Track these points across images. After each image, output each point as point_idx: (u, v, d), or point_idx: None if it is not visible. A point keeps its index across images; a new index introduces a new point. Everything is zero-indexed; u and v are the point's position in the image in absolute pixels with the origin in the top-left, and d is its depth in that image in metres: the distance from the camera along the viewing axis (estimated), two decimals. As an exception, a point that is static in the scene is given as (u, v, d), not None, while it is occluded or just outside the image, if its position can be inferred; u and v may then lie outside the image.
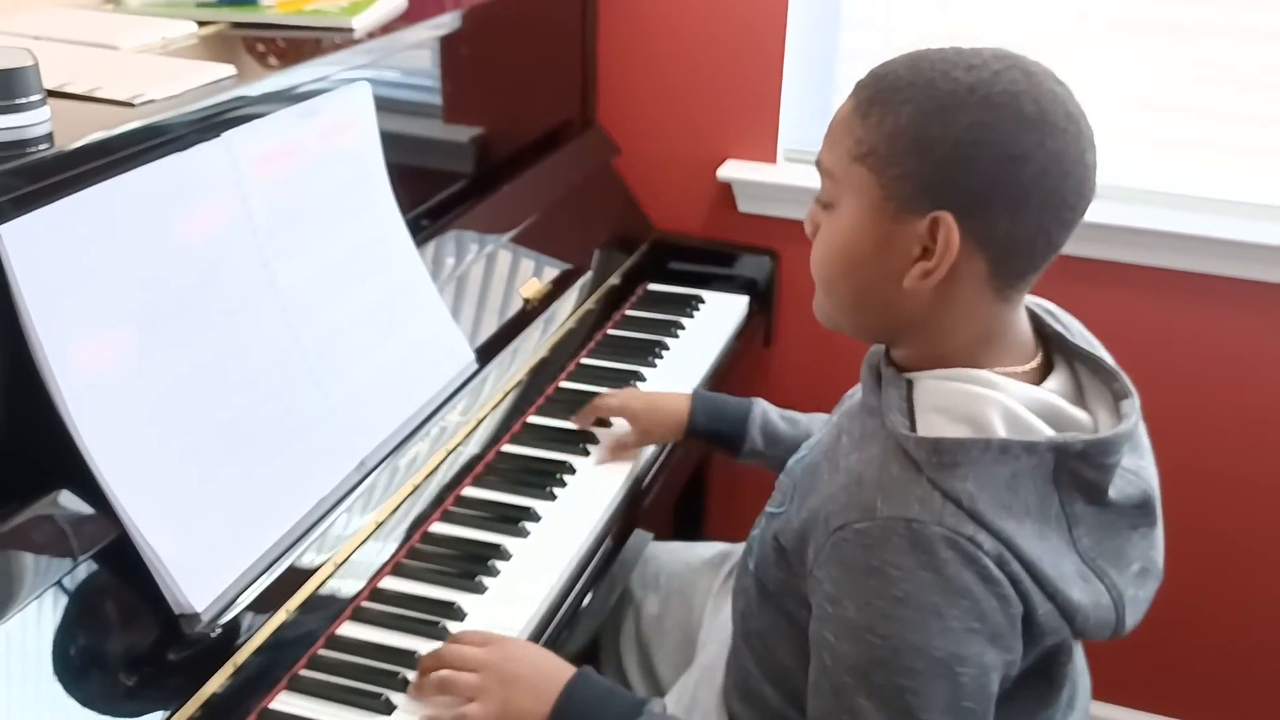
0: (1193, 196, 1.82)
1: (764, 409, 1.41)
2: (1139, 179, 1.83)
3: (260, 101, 1.18)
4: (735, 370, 1.90)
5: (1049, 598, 0.90)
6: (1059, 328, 1.00)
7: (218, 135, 1.12)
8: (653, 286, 1.96)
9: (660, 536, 1.57)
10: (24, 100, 0.95)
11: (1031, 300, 1.00)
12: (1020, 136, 0.86)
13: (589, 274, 1.82)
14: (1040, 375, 0.97)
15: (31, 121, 0.96)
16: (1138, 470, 0.96)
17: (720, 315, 1.89)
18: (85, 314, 0.97)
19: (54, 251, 0.94)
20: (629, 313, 1.87)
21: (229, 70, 1.16)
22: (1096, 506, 0.93)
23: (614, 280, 1.88)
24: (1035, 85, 0.88)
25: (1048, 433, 0.90)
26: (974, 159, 0.86)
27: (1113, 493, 0.93)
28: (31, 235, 0.92)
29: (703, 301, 1.92)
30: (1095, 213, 0.93)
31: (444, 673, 1.07)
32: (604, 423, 1.50)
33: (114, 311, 0.99)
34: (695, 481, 2.07)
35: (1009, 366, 0.95)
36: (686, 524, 2.11)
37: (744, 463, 1.42)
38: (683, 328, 1.83)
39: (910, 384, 0.95)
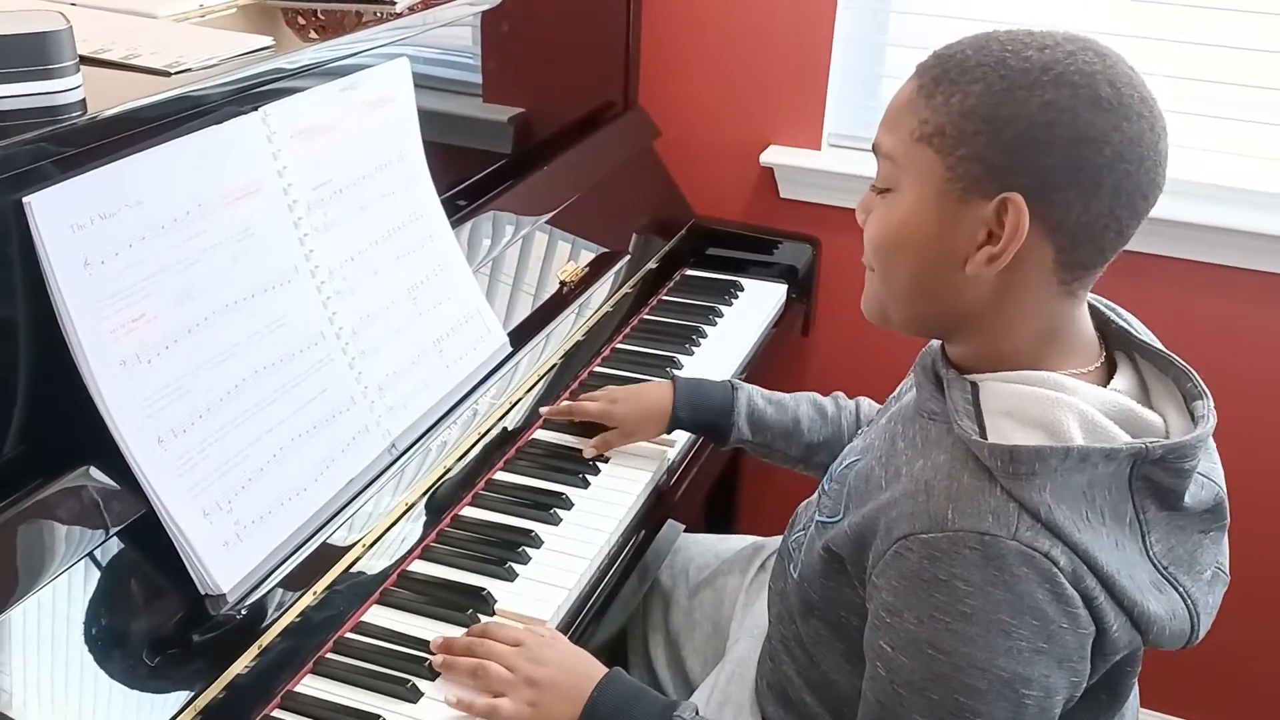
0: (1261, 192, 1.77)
1: (749, 394, 1.37)
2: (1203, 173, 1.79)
3: (298, 74, 1.15)
4: (772, 359, 1.87)
5: (1125, 611, 0.86)
6: (1123, 323, 0.96)
7: (254, 107, 1.10)
8: (691, 272, 1.93)
9: (692, 529, 1.54)
10: (56, 66, 0.93)
11: (1091, 296, 0.96)
12: (1096, 118, 0.82)
13: (627, 258, 1.79)
14: (1104, 375, 0.93)
15: (64, 88, 0.94)
16: (1209, 472, 0.92)
17: (758, 303, 1.86)
18: (116, 287, 0.95)
19: (84, 223, 0.92)
20: (666, 298, 1.84)
21: (267, 41, 1.14)
22: (1169, 512, 0.89)
23: (652, 265, 1.84)
24: (1110, 67, 0.84)
25: (1123, 437, 0.86)
26: (1047, 140, 0.83)
27: (1187, 498, 0.89)
28: (61, 206, 0.90)
29: (741, 289, 1.88)
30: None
31: (478, 661, 1.05)
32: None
33: (146, 286, 0.97)
34: (728, 474, 2.04)
35: (1074, 368, 0.91)
36: (718, 517, 2.08)
37: (730, 449, 1.39)
38: (720, 315, 1.80)
39: (975, 387, 0.91)
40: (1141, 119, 0.84)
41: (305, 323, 1.13)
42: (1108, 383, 0.92)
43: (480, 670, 1.05)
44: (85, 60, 1.00)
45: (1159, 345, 0.95)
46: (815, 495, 1.12)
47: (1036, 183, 0.84)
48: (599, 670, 1.06)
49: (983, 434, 0.88)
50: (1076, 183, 0.83)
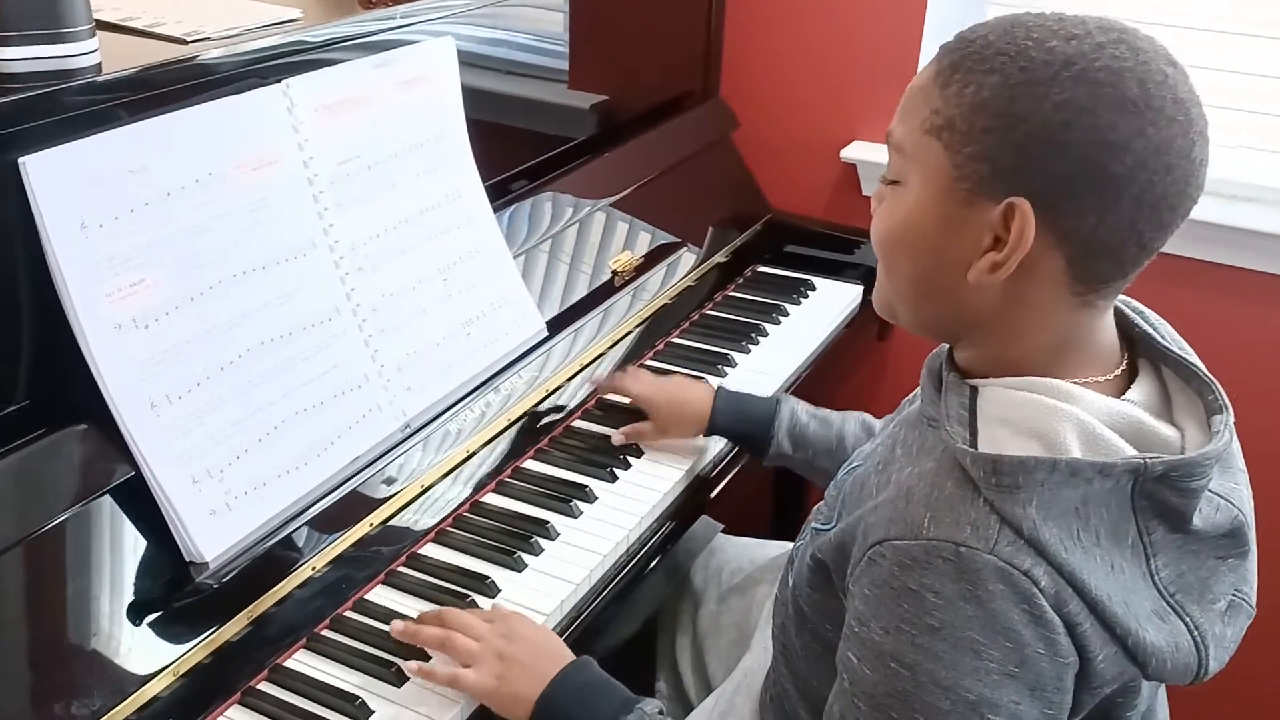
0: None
1: (793, 408, 1.32)
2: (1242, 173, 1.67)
3: (322, 48, 1.15)
4: (843, 361, 1.80)
5: (1117, 640, 0.79)
6: (1148, 328, 0.88)
7: (279, 80, 1.10)
8: (762, 269, 1.88)
9: (744, 532, 1.49)
10: (70, 29, 0.94)
11: (1118, 299, 0.89)
12: (1119, 121, 0.75)
13: (693, 249, 1.75)
14: (1123, 384, 0.86)
15: (78, 51, 0.95)
16: (1228, 494, 0.84)
17: (829, 304, 1.79)
18: (113, 251, 0.95)
19: (83, 187, 0.93)
20: (732, 293, 1.79)
21: (294, 13, 1.14)
22: (1179, 534, 0.82)
23: (720, 258, 1.80)
24: (1143, 64, 0.76)
25: (1127, 452, 0.79)
26: (1063, 142, 0.76)
27: (1198, 520, 0.81)
28: (59, 168, 0.91)
29: (813, 288, 1.82)
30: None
31: (446, 632, 1.04)
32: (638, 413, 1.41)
33: (148, 253, 0.98)
34: (795, 480, 1.98)
35: (1088, 376, 0.84)
36: (784, 523, 2.02)
37: (770, 465, 1.35)
38: (786, 314, 1.74)
39: (974, 391, 0.85)
40: (1174, 123, 0.76)
41: (319, 297, 1.13)
42: (1124, 393, 0.85)
43: (447, 641, 1.04)
44: (106, 26, 1.01)
45: (1185, 353, 0.87)
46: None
47: (1047, 188, 0.77)
48: (568, 654, 1.04)
49: (974, 441, 0.82)
50: (1092, 191, 0.76)
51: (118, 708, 0.94)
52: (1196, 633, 0.82)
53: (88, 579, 0.96)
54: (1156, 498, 0.79)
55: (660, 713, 0.99)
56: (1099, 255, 0.79)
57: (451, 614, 1.06)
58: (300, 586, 1.10)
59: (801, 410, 1.32)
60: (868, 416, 1.31)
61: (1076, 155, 0.76)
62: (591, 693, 1.00)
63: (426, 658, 1.06)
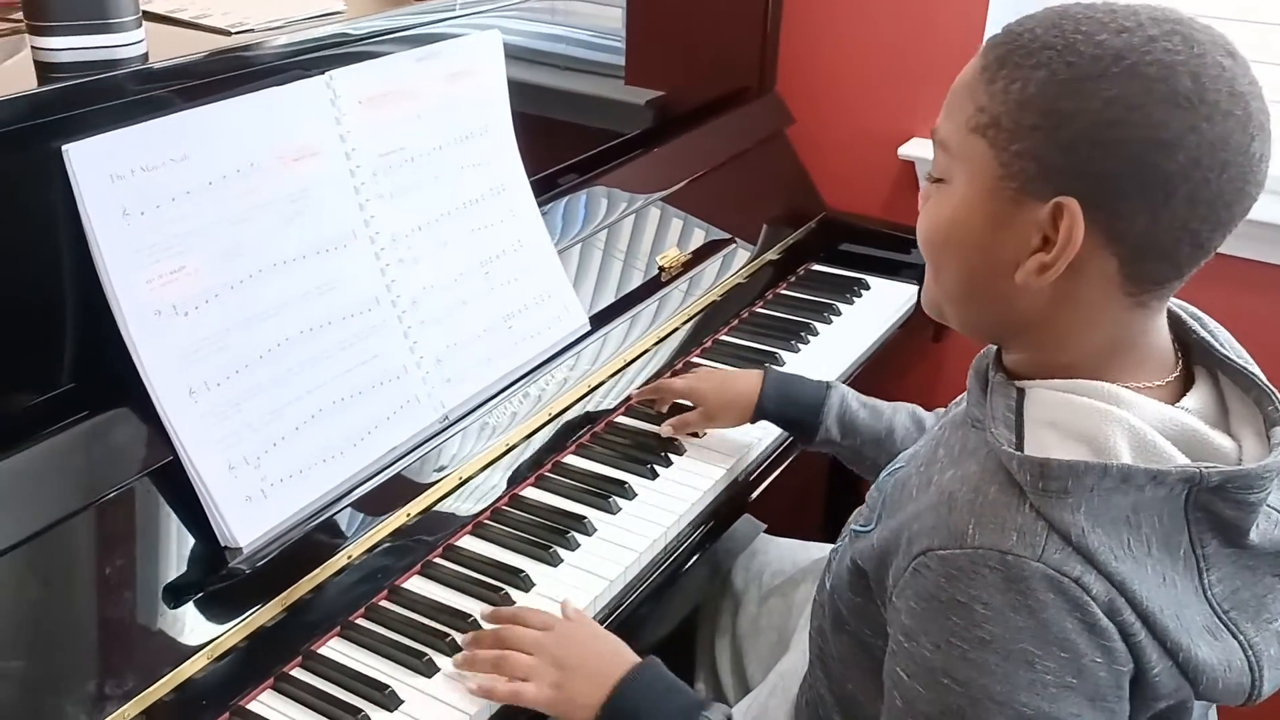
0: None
1: (843, 395, 1.30)
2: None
3: (366, 40, 1.16)
4: (896, 362, 1.77)
5: (1168, 654, 0.77)
6: (1205, 335, 0.85)
7: (322, 71, 1.11)
8: (816, 267, 1.85)
9: (788, 533, 1.47)
10: (117, 20, 0.96)
11: (1173, 303, 0.86)
12: (1170, 119, 0.72)
13: (745, 246, 1.73)
14: (1178, 391, 0.83)
15: (124, 41, 0.97)
16: None
17: (883, 303, 1.76)
18: (154, 239, 0.97)
19: (124, 174, 0.94)
20: (783, 291, 1.77)
21: (338, 5, 1.15)
22: (1235, 549, 0.79)
23: (772, 256, 1.78)
24: (1197, 56, 0.73)
25: (1180, 460, 0.77)
26: (1112, 141, 0.73)
27: (1255, 535, 0.78)
28: (101, 156, 0.93)
29: (867, 287, 1.79)
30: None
31: (499, 653, 1.04)
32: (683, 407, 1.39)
33: (189, 240, 1.00)
34: (849, 482, 1.95)
35: (1141, 381, 0.81)
36: (835, 525, 1.99)
37: (816, 450, 1.32)
38: (838, 313, 1.71)
39: (1021, 393, 0.83)
40: (1230, 118, 0.73)
41: (358, 288, 1.13)
42: (1179, 400, 0.82)
43: (502, 661, 1.03)
44: (153, 17, 1.03)
45: (1245, 362, 0.84)
46: None
47: (1096, 188, 0.74)
48: (630, 656, 1.03)
49: (1020, 444, 0.79)
50: (1143, 191, 0.73)
51: (152, 688, 0.96)
52: (1250, 652, 0.79)
53: (124, 561, 0.98)
54: (1211, 509, 0.77)
55: (726, 719, 0.98)
56: (1152, 256, 0.76)
57: (507, 631, 1.06)
58: (336, 574, 1.11)
59: (852, 397, 1.30)
60: (918, 408, 1.29)
61: (1126, 154, 0.73)
62: (658, 696, 0.99)
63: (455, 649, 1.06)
